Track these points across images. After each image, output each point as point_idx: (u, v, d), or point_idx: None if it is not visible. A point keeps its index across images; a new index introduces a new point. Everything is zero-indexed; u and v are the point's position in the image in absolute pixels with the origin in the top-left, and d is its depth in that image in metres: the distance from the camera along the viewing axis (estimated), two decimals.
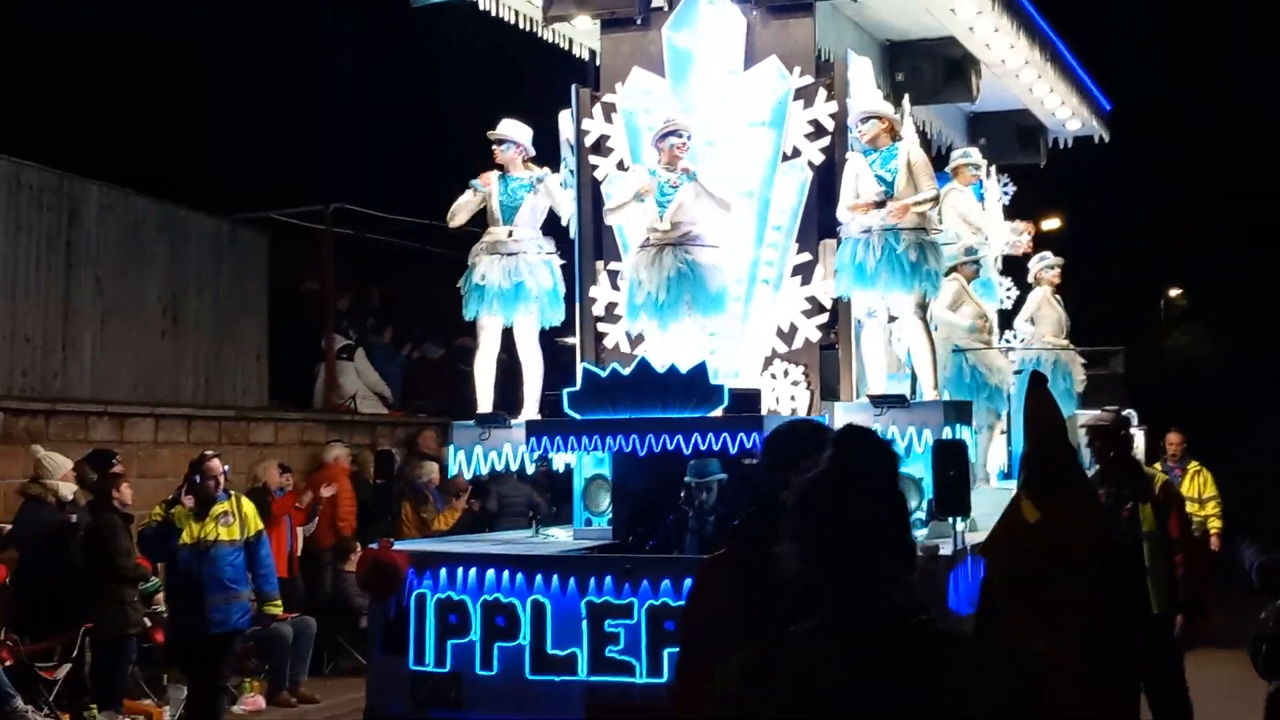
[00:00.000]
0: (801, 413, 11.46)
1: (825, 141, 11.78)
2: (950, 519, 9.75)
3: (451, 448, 12.03)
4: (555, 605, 9.87)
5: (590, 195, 12.38)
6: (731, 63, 12.05)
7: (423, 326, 24.47)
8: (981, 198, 14.60)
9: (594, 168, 12.41)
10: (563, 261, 12.27)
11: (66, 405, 16.69)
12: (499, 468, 11.95)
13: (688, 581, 7.74)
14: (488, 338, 12.21)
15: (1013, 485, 12.42)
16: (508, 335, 12.20)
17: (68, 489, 14.24)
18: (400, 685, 10.18)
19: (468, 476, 12.92)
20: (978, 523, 10.76)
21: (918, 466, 11.11)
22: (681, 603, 8.24)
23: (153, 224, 19.71)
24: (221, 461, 13.27)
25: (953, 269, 13.11)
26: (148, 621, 14.03)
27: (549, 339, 12.72)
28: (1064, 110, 15.74)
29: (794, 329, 11.75)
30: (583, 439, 10.66)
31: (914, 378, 11.80)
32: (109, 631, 13.59)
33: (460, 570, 10.11)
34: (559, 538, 12.24)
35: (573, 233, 12.42)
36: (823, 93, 11.81)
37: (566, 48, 13.55)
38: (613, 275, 12.19)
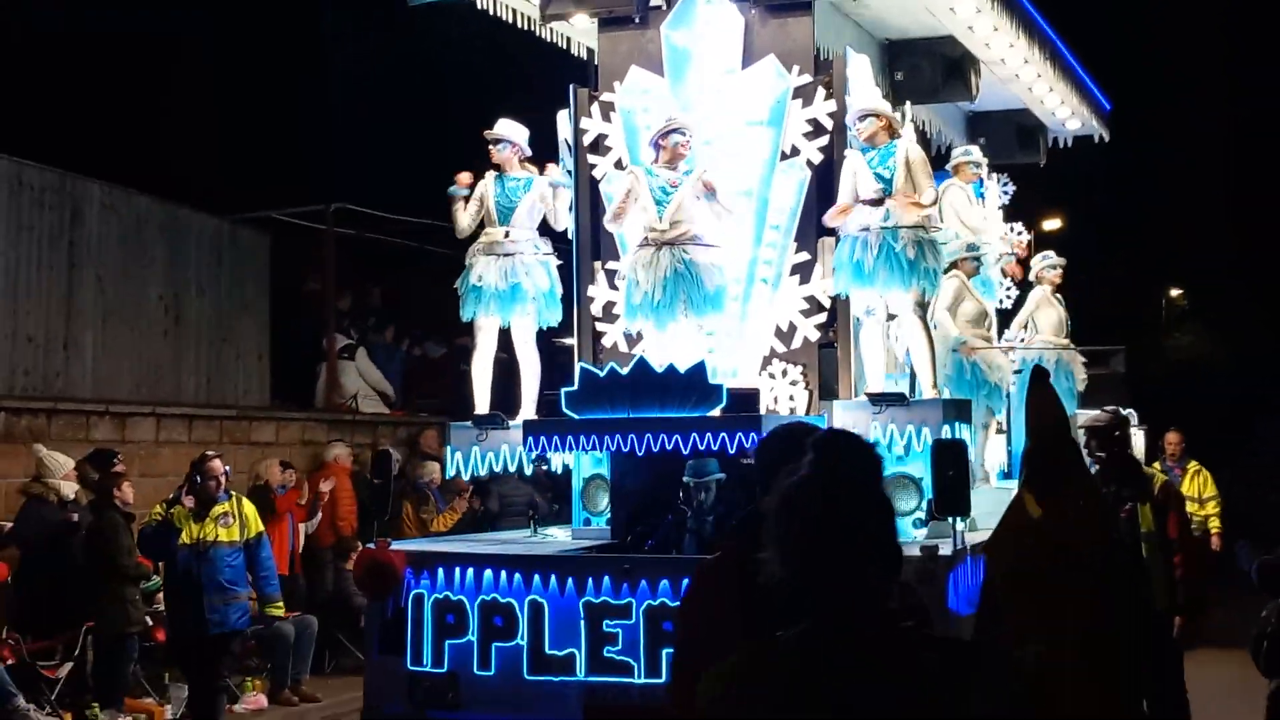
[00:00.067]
0: (800, 412, 11.44)
1: (824, 140, 11.75)
2: (950, 519, 9.74)
3: (449, 449, 12.02)
4: (553, 605, 9.85)
5: (588, 194, 12.35)
6: (730, 61, 12.01)
7: (424, 326, 24.48)
8: (982, 196, 14.59)
9: (592, 167, 12.37)
10: (560, 262, 12.25)
11: (68, 405, 16.70)
12: (497, 469, 11.93)
13: (686, 581, 7.71)
14: (485, 339, 12.20)
15: (1013, 485, 12.44)
16: (506, 336, 12.19)
17: (69, 488, 14.26)
18: (398, 685, 10.16)
19: (466, 477, 12.90)
20: (977, 522, 10.76)
21: (917, 466, 11.10)
22: (679, 603, 8.22)
23: (154, 224, 19.72)
24: (223, 462, 13.25)
25: (953, 265, 13.09)
26: (149, 620, 14.07)
27: (547, 339, 12.70)
28: (1064, 110, 15.69)
29: (793, 328, 11.72)
30: (580, 439, 10.63)
31: (913, 376, 11.78)
32: (110, 630, 13.63)
33: (458, 570, 10.09)
34: (557, 537, 12.24)
35: (571, 232, 12.39)
36: (821, 91, 11.78)
37: (564, 46, 13.53)
38: (610, 275, 12.15)
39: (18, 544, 13.85)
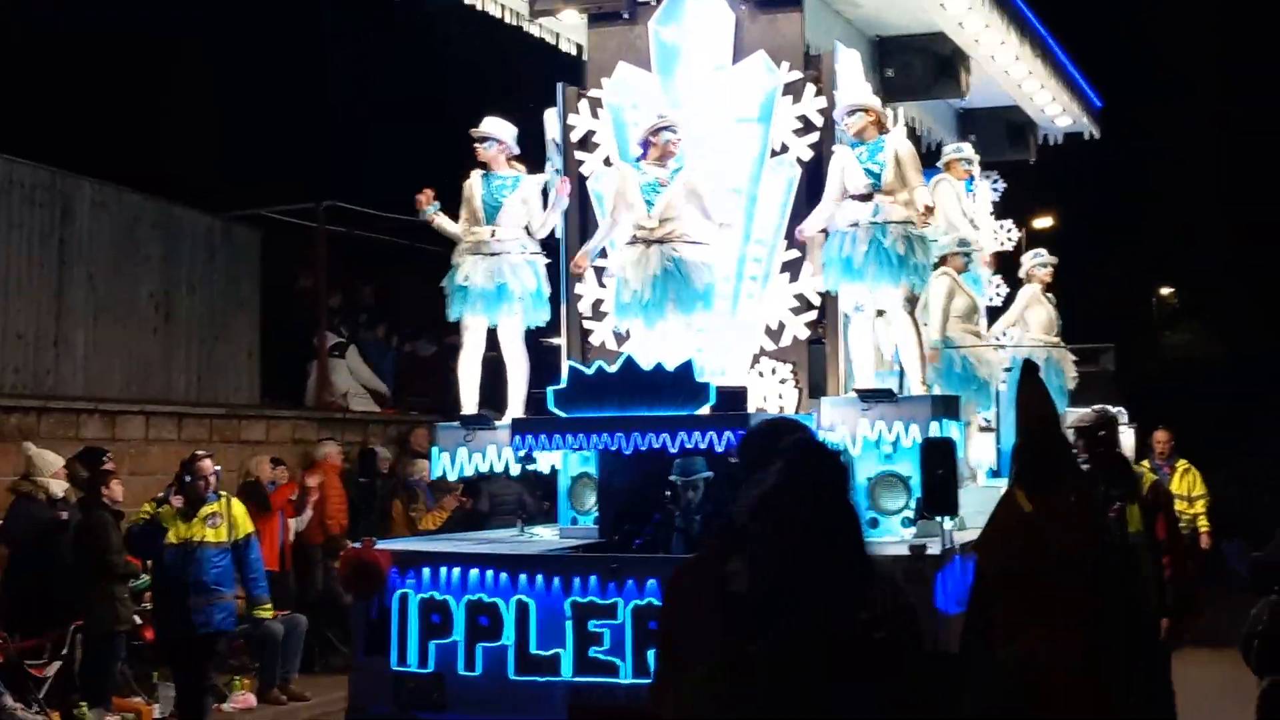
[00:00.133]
0: (790, 411, 11.39)
1: (814, 137, 11.69)
2: (938, 518, 9.70)
3: (435, 449, 11.95)
4: (539, 605, 9.76)
5: (577, 192, 12.28)
6: (719, 58, 11.96)
7: (415, 324, 24.45)
8: (973, 194, 14.55)
9: (580, 163, 12.32)
10: (548, 260, 12.18)
11: (58, 402, 16.69)
12: (483, 469, 11.87)
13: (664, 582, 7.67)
14: (472, 339, 12.12)
15: (1000, 484, 12.40)
16: (494, 335, 12.13)
17: (58, 486, 14.23)
18: (383, 686, 10.07)
19: (452, 478, 12.83)
20: (965, 521, 10.72)
21: (905, 464, 11.06)
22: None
23: (145, 221, 19.70)
24: (213, 462, 13.19)
25: (942, 261, 13.04)
26: (138, 619, 14.03)
27: (535, 339, 12.64)
28: (1054, 107, 15.66)
29: (782, 326, 11.67)
30: (568, 437, 10.58)
31: (902, 372, 11.74)
32: (99, 629, 13.59)
33: (443, 570, 9.99)
34: (544, 537, 12.17)
35: (558, 230, 12.32)
36: (811, 88, 11.72)
37: (553, 42, 13.48)
38: (599, 272, 12.11)
39: (6, 542, 13.86)
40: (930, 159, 14.12)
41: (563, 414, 10.60)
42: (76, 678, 13.75)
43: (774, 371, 11.60)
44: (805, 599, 3.56)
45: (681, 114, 11.72)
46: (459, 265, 11.96)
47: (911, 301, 11.49)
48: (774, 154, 11.80)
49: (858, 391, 11.13)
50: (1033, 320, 15.29)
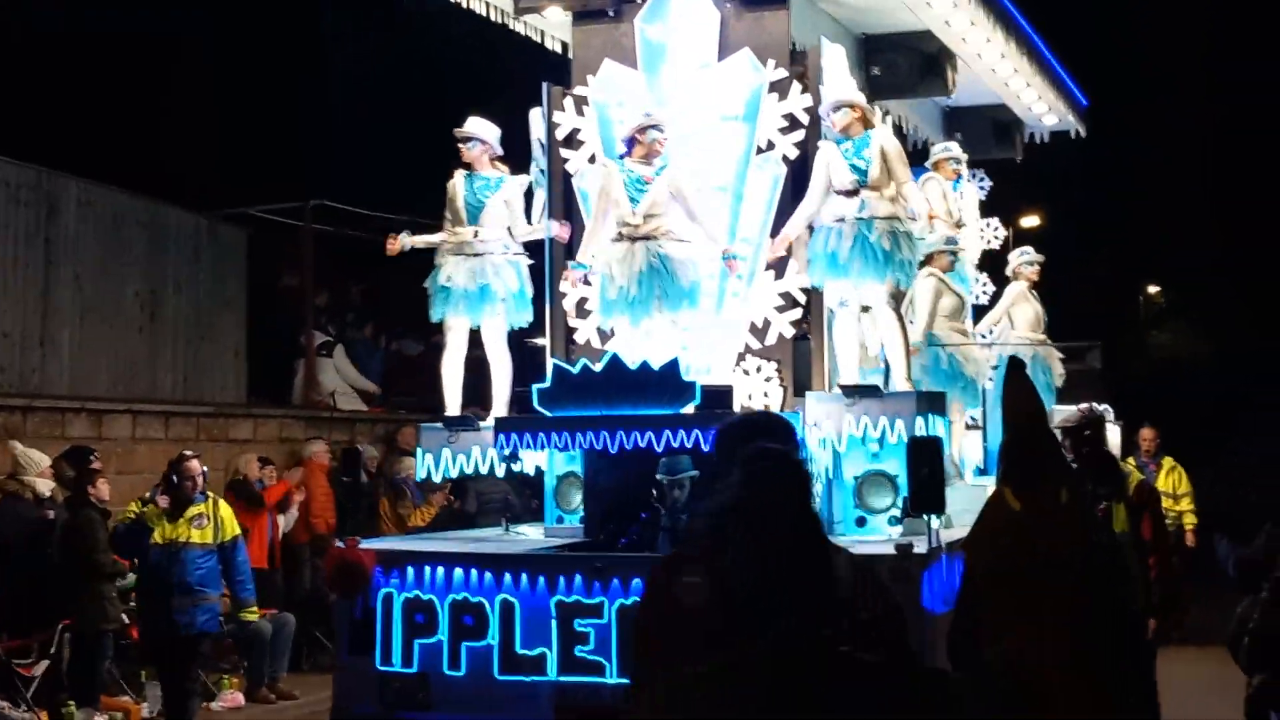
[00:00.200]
0: (775, 409, 11.36)
1: (799, 135, 11.66)
2: (925, 516, 9.67)
3: (419, 450, 11.91)
4: (524, 604, 9.72)
5: (562, 190, 12.26)
6: (705, 55, 11.92)
7: (402, 322, 24.41)
8: (959, 193, 14.55)
9: (565, 161, 12.29)
10: (531, 261, 12.14)
11: (44, 401, 16.64)
12: (468, 470, 11.83)
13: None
14: (454, 339, 12.07)
15: (987, 481, 12.38)
16: (477, 336, 12.09)
17: (45, 486, 14.20)
18: (367, 686, 10.03)
19: (436, 479, 12.78)
20: (953, 520, 10.70)
21: (892, 463, 11.05)
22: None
23: (132, 220, 19.61)
24: (201, 462, 13.15)
25: (928, 260, 13.02)
26: (125, 618, 13.99)
27: (519, 340, 12.60)
28: (1040, 105, 15.63)
29: (767, 324, 11.63)
30: (552, 436, 10.54)
31: (887, 368, 11.73)
32: (87, 628, 13.55)
33: (428, 569, 9.95)
34: (529, 536, 12.15)
35: (544, 229, 12.27)
36: (797, 86, 11.69)
37: (539, 40, 13.44)
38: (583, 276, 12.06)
39: None
40: (917, 158, 14.11)
41: (547, 413, 10.57)
42: (64, 677, 13.71)
43: (759, 370, 11.57)
44: (764, 614, 3.50)
45: (667, 112, 11.70)
46: (441, 266, 11.93)
47: (896, 297, 11.49)
48: (759, 152, 11.76)
49: (842, 387, 11.11)
50: (1019, 318, 15.29)
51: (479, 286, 11.78)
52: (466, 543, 11.51)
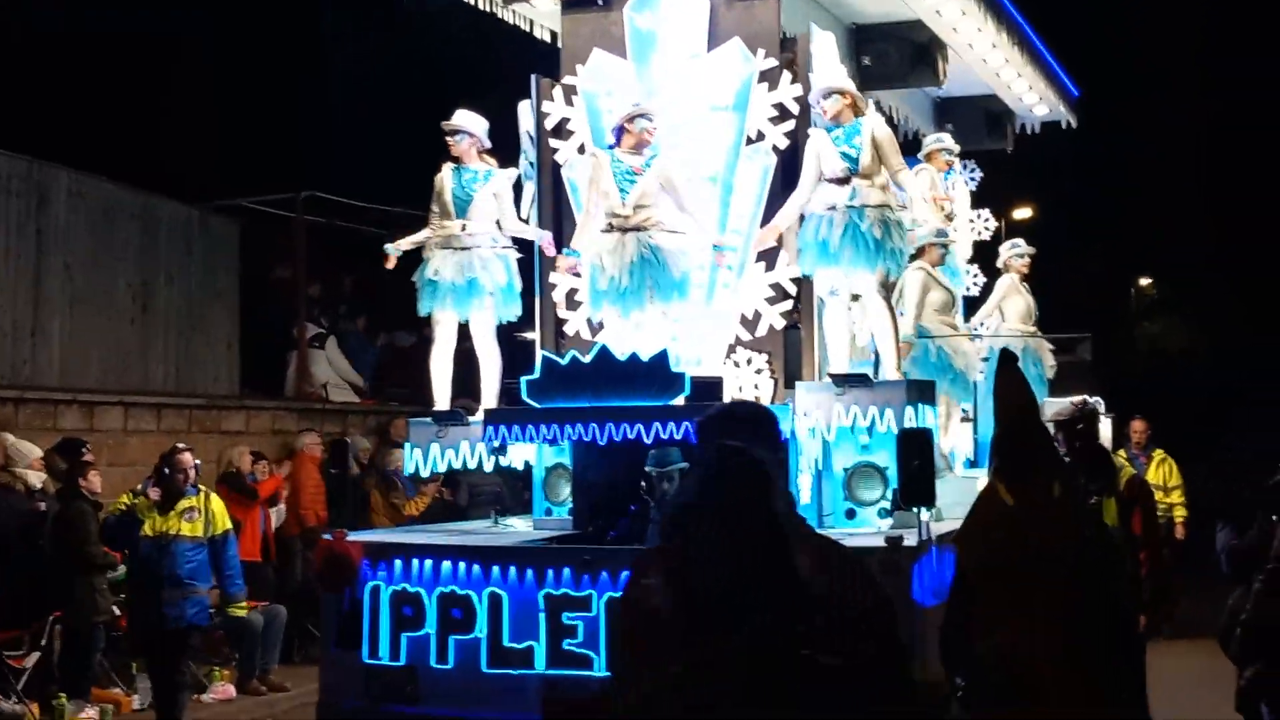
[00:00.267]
0: (765, 401, 11.32)
1: (789, 125, 11.61)
2: (915, 509, 9.64)
3: (408, 445, 11.85)
4: (512, 597, 9.69)
5: (551, 181, 12.20)
6: (694, 45, 11.87)
7: (394, 314, 24.37)
8: (950, 182, 14.52)
9: (554, 151, 12.23)
10: (520, 255, 12.08)
11: (35, 393, 16.58)
12: (456, 465, 11.77)
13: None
14: (443, 334, 12.02)
15: (978, 474, 12.36)
16: (466, 331, 12.04)
17: (36, 477, 14.18)
18: (354, 679, 10.01)
19: (425, 474, 12.72)
20: (943, 512, 10.66)
21: (883, 455, 11.01)
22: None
23: (123, 211, 19.55)
24: (193, 455, 13.11)
25: (919, 253, 12.98)
26: (116, 610, 13.97)
27: (508, 333, 12.54)
28: (1031, 95, 15.61)
29: (758, 316, 11.59)
30: (541, 428, 10.48)
31: (877, 358, 11.69)
32: (78, 620, 13.58)
33: (415, 561, 9.93)
34: (518, 528, 12.11)
35: (532, 220, 12.24)
36: (787, 75, 11.64)
37: (527, 29, 13.38)
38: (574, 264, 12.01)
39: None
40: (908, 149, 14.03)
41: (536, 404, 10.52)
42: (55, 669, 13.74)
43: (749, 361, 11.52)
44: (725, 618, 3.44)
45: (657, 102, 11.65)
46: (429, 260, 11.88)
47: (886, 286, 11.45)
48: (749, 142, 11.71)
49: (832, 376, 11.08)
50: (1010, 310, 15.27)
51: (467, 280, 11.73)
52: (455, 535, 11.47)
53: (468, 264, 11.74)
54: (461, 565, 9.85)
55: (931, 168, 14.05)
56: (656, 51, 11.98)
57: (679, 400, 10.26)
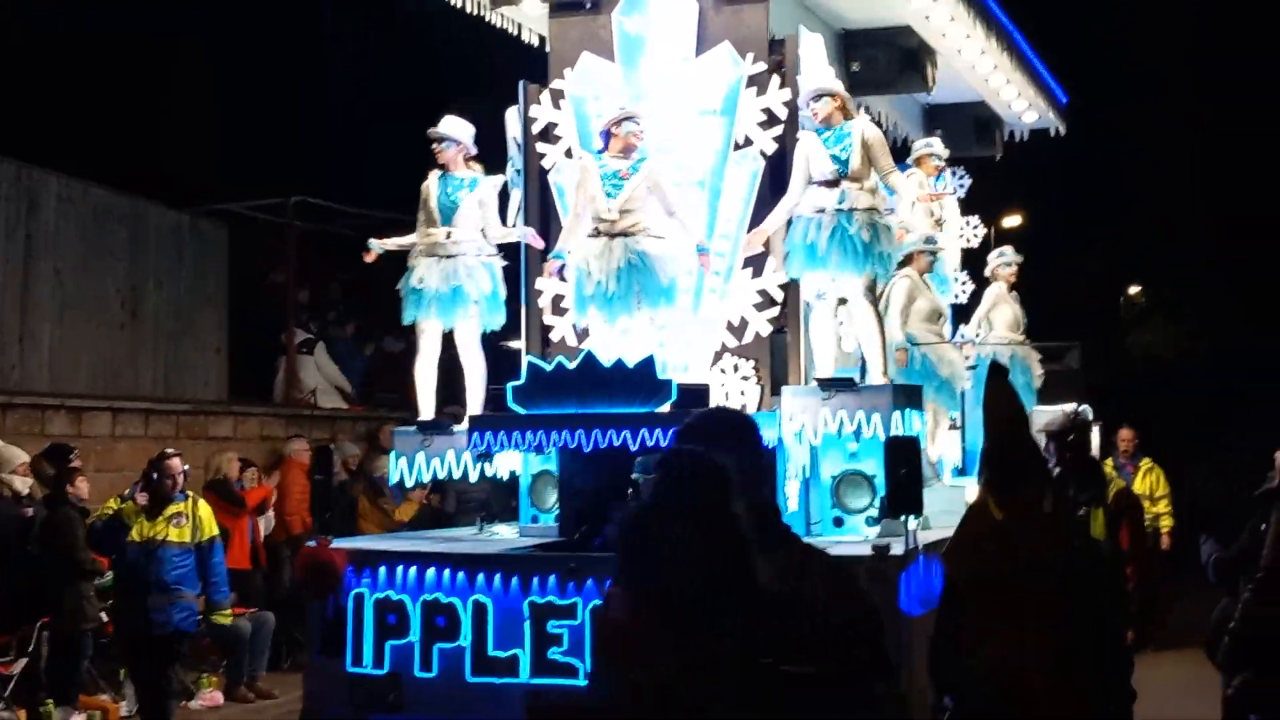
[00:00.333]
0: (751, 408, 11.27)
1: (778, 130, 11.57)
2: (902, 517, 9.60)
3: (393, 455, 11.79)
4: (497, 605, 9.61)
5: (538, 185, 12.15)
6: (683, 49, 11.82)
7: (384, 320, 24.34)
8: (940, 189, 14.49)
9: (542, 156, 12.17)
10: (505, 263, 12.02)
11: (23, 398, 16.54)
12: (441, 475, 11.72)
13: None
14: (427, 342, 11.94)
15: (965, 482, 12.32)
16: (450, 339, 11.98)
17: (23, 483, 14.10)
18: (338, 687, 9.92)
19: (409, 485, 12.65)
20: (931, 521, 10.62)
21: (870, 463, 10.97)
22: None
23: (113, 216, 19.54)
24: (182, 461, 13.07)
25: (906, 260, 12.93)
26: (104, 616, 13.90)
27: (493, 342, 12.47)
28: (1020, 102, 15.58)
29: (744, 322, 11.54)
30: (527, 434, 10.41)
31: (863, 363, 11.64)
32: (65, 626, 13.52)
33: (400, 569, 9.85)
34: (504, 535, 12.05)
35: (519, 232, 12.16)
36: (776, 80, 11.60)
37: (515, 33, 13.33)
38: (559, 267, 11.96)
39: None
40: (897, 155, 13.98)
41: (522, 410, 10.45)
42: (43, 675, 13.66)
43: (736, 368, 11.48)
44: (681, 627, 3.37)
45: (645, 106, 11.59)
46: (414, 268, 11.82)
47: (873, 291, 11.40)
48: (738, 147, 11.67)
49: (818, 380, 11.03)
50: (998, 319, 15.24)
51: (451, 288, 11.65)
52: (440, 542, 11.43)
53: (452, 272, 11.67)
54: (446, 573, 9.77)
55: (920, 173, 14.01)
56: (645, 55, 11.92)
57: (665, 407, 10.21)
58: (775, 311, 11.50)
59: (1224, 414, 29.00)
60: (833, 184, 11.17)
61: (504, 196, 12.13)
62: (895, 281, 12.71)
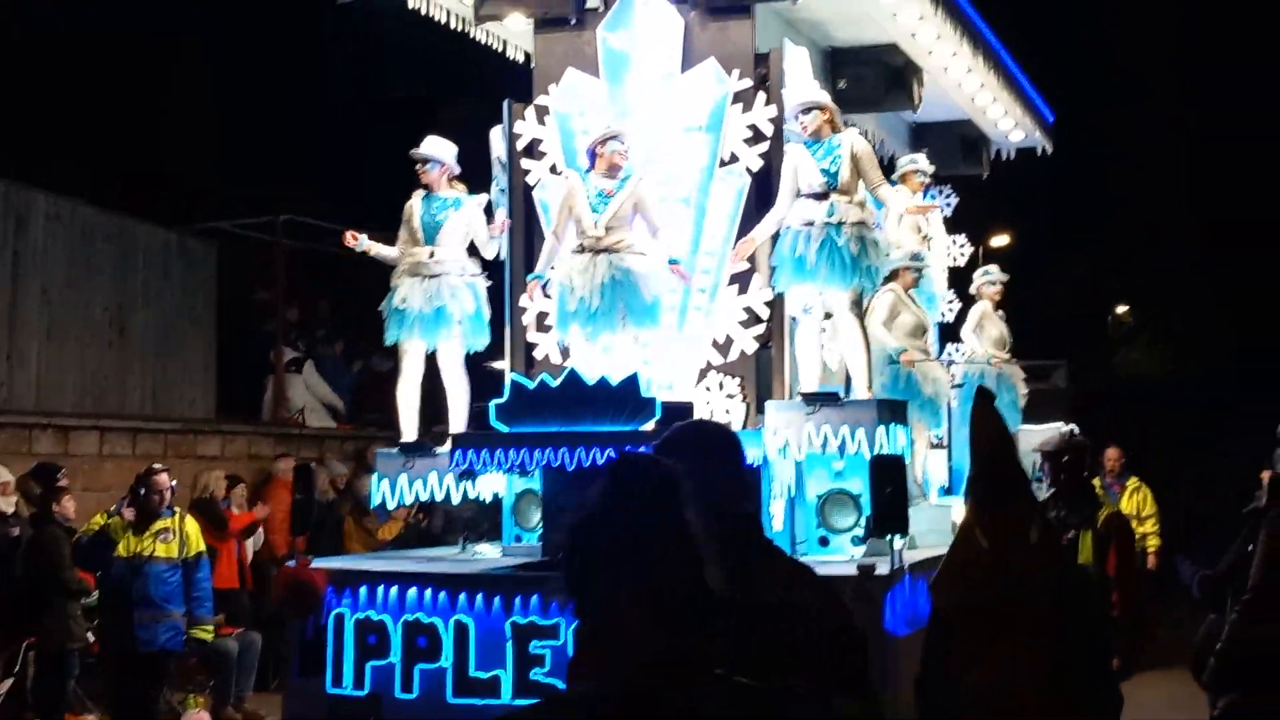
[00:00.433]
0: (737, 426, 11.19)
1: (764, 147, 11.52)
2: (888, 536, 9.54)
3: (375, 476, 11.73)
4: (479, 625, 9.59)
5: (522, 202, 12.10)
6: (669, 65, 11.76)
7: (373, 339, 24.29)
8: None
9: (526, 172, 12.12)
10: (489, 283, 11.97)
11: (10, 417, 16.50)
12: (424, 497, 11.66)
13: None
14: (410, 363, 11.89)
15: (951, 501, 12.26)
16: (434, 360, 11.92)
17: (8, 502, 14.06)
18: (318, 708, 9.88)
19: (391, 507, 12.56)
20: (916, 540, 10.56)
21: (856, 481, 10.91)
22: None
23: (100, 235, 19.49)
24: (170, 476, 13.01)
25: (892, 276, 12.87)
26: (90, 636, 13.82)
27: (477, 363, 12.40)
28: (1007, 120, 15.56)
29: (730, 340, 11.47)
30: (510, 452, 10.31)
31: (848, 377, 11.59)
32: (51, 646, 13.42)
33: (380, 589, 9.82)
34: (487, 554, 11.98)
35: (503, 243, 12.12)
36: (761, 96, 11.56)
37: (500, 49, 13.29)
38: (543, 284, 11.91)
39: None
40: (883, 173, 13.98)
41: (505, 428, 10.37)
42: (29, 695, 13.61)
43: (721, 386, 11.41)
44: (626, 637, 3.29)
45: (630, 122, 11.54)
46: (396, 287, 11.77)
47: (859, 305, 11.35)
48: (723, 164, 11.62)
49: (803, 395, 10.98)
50: (984, 337, 15.17)
51: (435, 309, 11.60)
52: (421, 562, 11.35)
53: (436, 292, 11.62)
54: (427, 593, 9.74)
55: (906, 190, 13.97)
56: (630, 72, 11.86)
57: (650, 425, 10.12)
58: (761, 329, 11.44)
59: (1216, 424, 29.01)
60: (821, 197, 11.14)
61: (488, 212, 12.07)
62: (879, 295, 12.64)
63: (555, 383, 10.33)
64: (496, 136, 12.33)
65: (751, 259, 11.44)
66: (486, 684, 9.51)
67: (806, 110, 11.36)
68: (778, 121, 11.53)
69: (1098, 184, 35.24)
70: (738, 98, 11.59)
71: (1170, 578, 12.82)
